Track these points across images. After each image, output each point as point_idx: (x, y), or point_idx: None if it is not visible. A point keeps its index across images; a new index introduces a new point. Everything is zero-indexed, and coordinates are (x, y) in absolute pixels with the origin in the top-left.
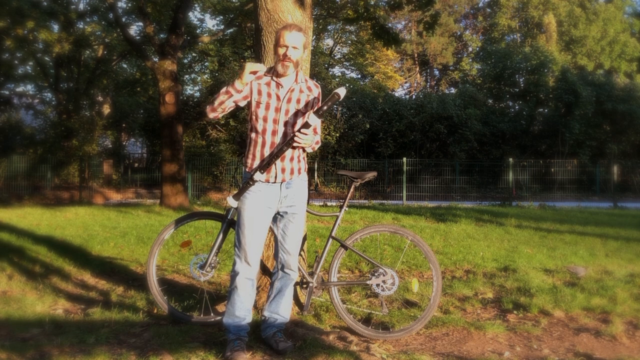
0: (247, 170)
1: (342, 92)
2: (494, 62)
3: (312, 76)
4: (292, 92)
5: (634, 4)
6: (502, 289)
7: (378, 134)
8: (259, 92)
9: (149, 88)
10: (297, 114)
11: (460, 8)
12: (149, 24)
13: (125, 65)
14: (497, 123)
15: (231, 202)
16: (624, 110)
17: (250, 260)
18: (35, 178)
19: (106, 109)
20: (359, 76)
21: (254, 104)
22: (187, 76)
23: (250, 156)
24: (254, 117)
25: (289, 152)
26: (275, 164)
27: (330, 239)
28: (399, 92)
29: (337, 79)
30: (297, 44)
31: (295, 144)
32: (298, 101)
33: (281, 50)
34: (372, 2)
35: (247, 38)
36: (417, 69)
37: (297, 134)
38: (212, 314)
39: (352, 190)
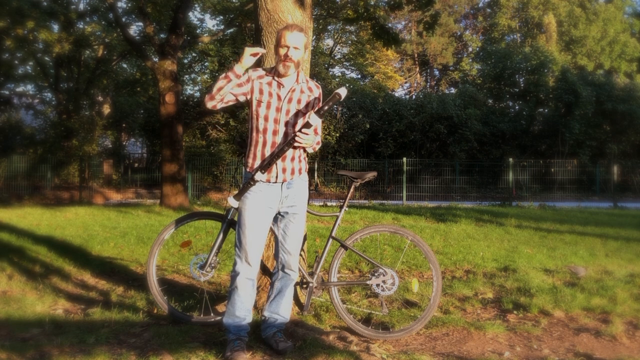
0: (247, 170)
1: (343, 92)
2: (494, 62)
3: (312, 76)
4: (293, 92)
5: (634, 4)
6: (502, 289)
7: (378, 134)
8: (261, 91)
9: (149, 88)
10: (298, 114)
11: (460, 8)
12: (149, 24)
13: (125, 65)
14: (497, 123)
15: (232, 202)
16: (624, 110)
17: (250, 260)
18: (35, 178)
19: (106, 109)
20: (359, 76)
21: (255, 102)
22: (187, 76)
23: (251, 156)
24: (255, 116)
25: (289, 152)
26: (276, 164)
27: (330, 239)
28: (399, 92)
29: (337, 79)
30: (299, 44)
31: (296, 144)
32: (299, 101)
33: (282, 51)
34: (372, 2)
35: (247, 38)
36: (417, 69)
37: (298, 133)
38: (212, 314)
39: (352, 190)
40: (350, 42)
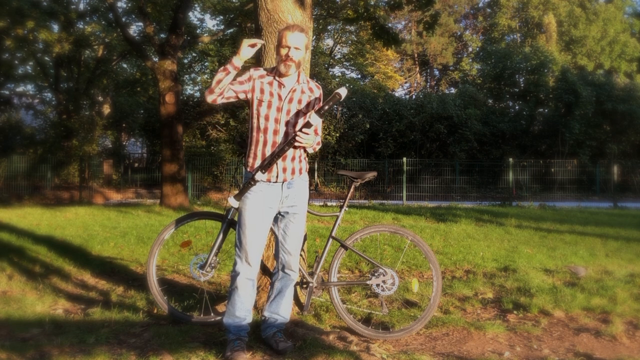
0: (248, 169)
1: (343, 92)
2: (494, 62)
3: (312, 76)
4: (294, 92)
5: (634, 4)
6: (502, 289)
7: (378, 134)
8: (262, 91)
9: (149, 88)
10: (299, 114)
11: (460, 8)
12: (149, 24)
13: (125, 65)
14: (497, 123)
15: (232, 202)
16: (624, 110)
17: (251, 260)
18: (35, 178)
19: (106, 109)
20: (359, 76)
21: (255, 102)
22: (187, 76)
23: (252, 155)
24: (255, 116)
25: (290, 152)
26: (276, 164)
27: (330, 239)
28: (399, 92)
29: (337, 79)
30: (300, 44)
31: (296, 144)
32: (299, 102)
33: (283, 51)
34: (372, 2)
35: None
36: (417, 69)
37: (298, 133)
38: (212, 314)
39: (352, 190)
40: (350, 42)
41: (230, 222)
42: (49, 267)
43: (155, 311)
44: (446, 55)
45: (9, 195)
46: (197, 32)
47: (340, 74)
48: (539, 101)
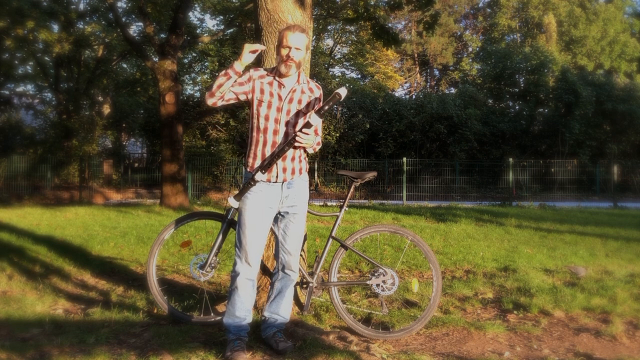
0: (248, 170)
1: (343, 92)
2: (494, 62)
3: (312, 76)
4: (294, 92)
5: (634, 4)
6: (502, 289)
7: (378, 134)
8: (262, 91)
9: (149, 88)
10: (299, 114)
11: (460, 8)
12: (149, 24)
13: (125, 65)
14: (497, 123)
15: (232, 202)
16: (624, 110)
17: (251, 260)
18: (35, 178)
19: (106, 109)
20: (359, 76)
21: (256, 102)
22: (187, 76)
23: (252, 155)
24: (255, 116)
25: (290, 152)
26: (276, 164)
27: (330, 239)
28: (399, 92)
29: (337, 79)
30: (300, 45)
31: (296, 144)
32: (299, 102)
33: (284, 51)
34: (372, 2)
35: (247, 38)
36: (417, 69)
37: (298, 133)
38: (212, 314)
39: (352, 190)
40: (350, 42)
41: (230, 222)
42: (49, 267)
43: (155, 311)
44: (446, 55)
45: (9, 195)
46: (197, 32)
47: (340, 74)
48: (539, 101)
